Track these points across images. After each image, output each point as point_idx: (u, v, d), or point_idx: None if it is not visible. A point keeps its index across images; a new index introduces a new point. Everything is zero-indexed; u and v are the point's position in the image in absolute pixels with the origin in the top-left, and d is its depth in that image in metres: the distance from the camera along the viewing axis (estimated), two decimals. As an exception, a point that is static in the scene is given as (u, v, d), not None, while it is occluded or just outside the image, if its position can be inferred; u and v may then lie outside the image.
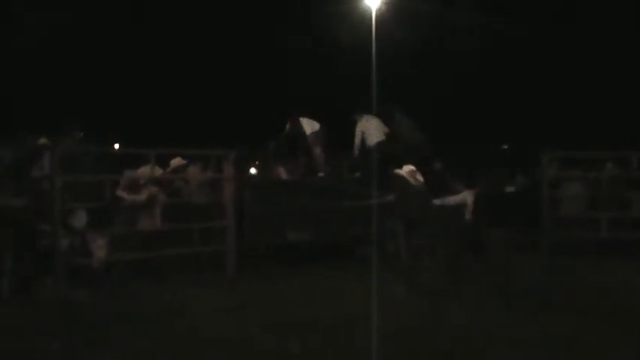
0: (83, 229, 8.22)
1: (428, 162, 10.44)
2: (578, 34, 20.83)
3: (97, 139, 11.37)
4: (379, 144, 10.81)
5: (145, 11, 23.62)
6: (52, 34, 21.70)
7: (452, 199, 10.40)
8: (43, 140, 8.73)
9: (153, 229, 8.79)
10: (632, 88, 20.13)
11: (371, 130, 10.94)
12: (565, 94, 21.66)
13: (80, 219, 8.20)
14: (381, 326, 5.85)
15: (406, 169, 8.83)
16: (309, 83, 21.61)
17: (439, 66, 21.64)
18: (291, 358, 5.52)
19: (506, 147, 25.05)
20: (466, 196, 10.86)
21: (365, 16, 18.32)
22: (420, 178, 8.79)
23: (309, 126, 11.36)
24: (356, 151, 11.05)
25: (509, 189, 12.76)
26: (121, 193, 8.75)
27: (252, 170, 13.42)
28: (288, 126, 11.50)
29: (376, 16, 17.16)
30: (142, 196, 8.81)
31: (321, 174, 11.30)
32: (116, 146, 16.27)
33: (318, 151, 11.35)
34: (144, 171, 9.02)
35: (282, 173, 11.05)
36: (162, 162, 9.63)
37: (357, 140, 10.97)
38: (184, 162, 9.74)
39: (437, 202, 9.51)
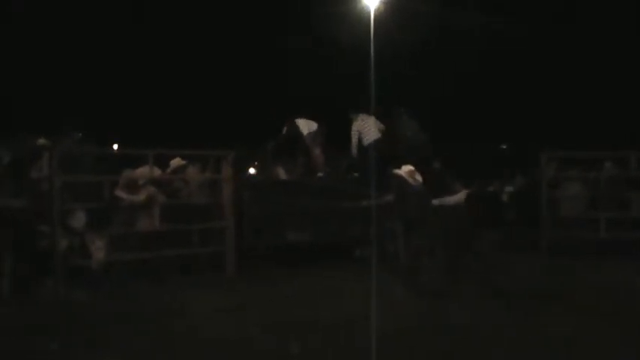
0: (82, 230, 8.21)
1: (428, 162, 10.44)
2: (578, 34, 20.84)
3: (96, 139, 11.35)
4: (377, 142, 10.79)
5: (145, 11, 23.62)
6: (52, 35, 21.69)
7: (451, 199, 10.40)
8: (42, 141, 8.73)
9: (152, 229, 8.77)
10: (631, 88, 20.14)
11: (367, 128, 10.94)
12: (564, 94, 21.67)
13: (79, 219, 8.19)
14: (381, 326, 5.84)
15: (405, 170, 8.81)
16: (309, 83, 21.61)
17: (438, 66, 21.64)
18: (291, 358, 5.51)
19: (505, 147, 25.08)
20: (465, 196, 10.85)
21: (364, 16, 18.32)
22: (419, 178, 8.78)
23: (306, 126, 11.37)
24: (354, 151, 11.05)
25: (508, 189, 12.80)
26: (120, 193, 8.73)
27: (252, 170, 13.42)
28: (285, 128, 11.52)
29: (375, 16, 17.15)
30: (141, 197, 8.79)
31: (320, 174, 11.30)
32: (115, 146, 16.27)
33: (317, 151, 11.35)
34: (143, 171, 9.01)
35: (281, 173, 11.05)
36: (161, 162, 9.62)
37: (354, 140, 10.98)
38: (184, 162, 9.73)
39: (436, 202, 9.51)
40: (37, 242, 7.83)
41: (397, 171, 8.86)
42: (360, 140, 10.92)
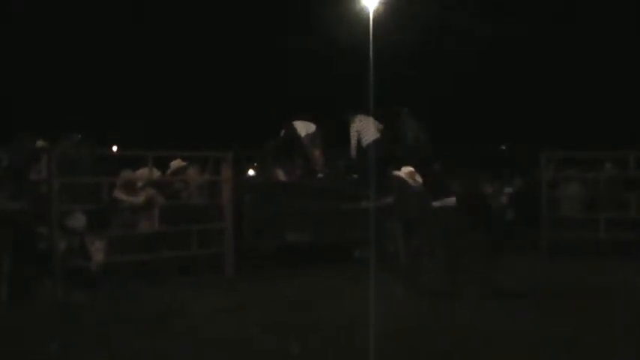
0: (81, 231, 8.20)
1: (428, 163, 10.44)
2: (578, 35, 20.84)
3: (96, 140, 11.34)
4: (377, 143, 10.78)
5: (145, 12, 23.60)
6: (52, 35, 21.69)
7: (451, 200, 10.38)
8: (40, 143, 8.73)
9: (151, 231, 8.77)
10: (631, 88, 20.14)
11: (366, 129, 10.94)
12: (564, 94, 21.66)
13: (79, 220, 8.18)
14: (381, 326, 5.84)
15: (405, 171, 8.81)
16: (308, 83, 21.60)
17: (437, 66, 21.63)
18: (291, 358, 5.51)
19: (504, 147, 25.05)
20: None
21: (363, 17, 18.33)
22: (419, 179, 8.78)
23: (304, 128, 11.37)
24: (353, 152, 11.04)
25: (508, 189, 12.79)
26: (119, 194, 8.73)
27: (251, 172, 13.42)
28: (282, 131, 11.53)
29: (374, 17, 17.16)
30: (140, 199, 8.78)
31: (319, 175, 11.30)
32: (114, 148, 16.26)
33: (317, 153, 11.34)
34: (142, 173, 9.00)
35: (281, 175, 11.05)
36: (161, 164, 9.62)
37: (354, 141, 10.97)
38: (184, 164, 9.73)
39: (436, 203, 9.51)
40: (35, 244, 7.82)
41: (397, 172, 8.86)
42: (359, 141, 10.91)
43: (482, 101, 22.06)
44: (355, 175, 11.33)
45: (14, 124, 17.21)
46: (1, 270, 7.45)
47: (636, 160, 10.72)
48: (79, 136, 9.44)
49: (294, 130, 11.39)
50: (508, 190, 12.78)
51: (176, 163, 9.67)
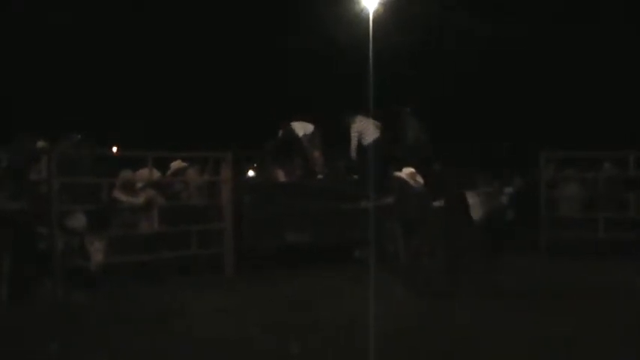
0: (81, 231, 8.20)
1: (428, 163, 10.44)
2: (578, 34, 20.83)
3: (96, 140, 11.33)
4: (377, 142, 10.77)
5: (145, 12, 23.60)
6: (52, 35, 21.68)
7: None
8: (41, 143, 8.73)
9: (151, 231, 8.76)
10: (630, 88, 20.14)
11: (367, 129, 10.94)
12: (563, 94, 21.65)
13: (79, 221, 8.18)
14: (381, 326, 5.84)
15: (406, 171, 8.82)
16: (308, 84, 21.61)
17: (437, 66, 21.63)
18: (291, 358, 5.52)
19: (503, 147, 25.04)
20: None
21: (362, 17, 18.33)
22: (419, 179, 8.78)
23: (302, 129, 11.38)
24: (353, 153, 11.04)
25: (508, 190, 12.79)
26: (118, 194, 8.73)
27: (251, 173, 13.42)
28: (280, 131, 11.53)
29: (374, 17, 17.16)
30: (140, 200, 8.79)
31: (319, 176, 11.30)
32: (114, 149, 16.26)
33: (316, 153, 11.34)
34: (142, 173, 9.00)
35: (280, 175, 11.05)
36: (161, 164, 9.62)
37: (355, 141, 10.96)
38: (184, 165, 9.73)
39: (436, 203, 9.51)
40: (35, 244, 7.82)
41: (398, 173, 8.87)
42: (360, 141, 10.91)
43: (482, 101, 22.05)
44: (355, 176, 11.32)
45: (14, 124, 17.20)
46: (1, 270, 7.46)
47: (635, 160, 10.72)
48: (79, 136, 9.44)
49: (291, 130, 11.40)
50: (508, 190, 12.78)
51: (176, 164, 9.67)
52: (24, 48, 21.57)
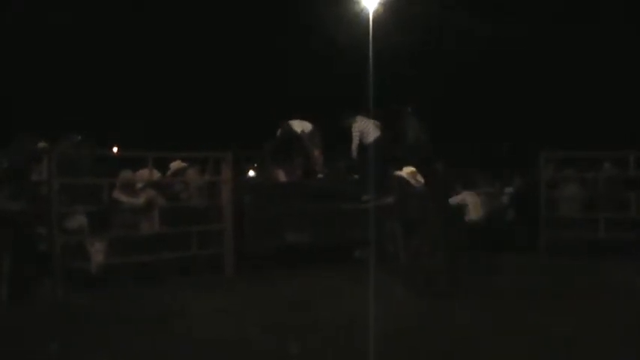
0: (81, 231, 8.20)
1: (429, 163, 10.44)
2: (577, 34, 20.84)
3: (96, 141, 11.34)
4: (377, 141, 10.76)
5: (145, 12, 23.61)
6: (52, 35, 21.69)
7: (452, 200, 10.41)
8: (41, 144, 8.73)
9: (151, 232, 8.76)
10: (630, 88, 20.15)
11: (367, 128, 10.93)
12: (563, 94, 21.67)
13: (79, 221, 8.18)
14: (381, 327, 5.83)
15: (406, 171, 8.81)
16: (308, 84, 21.62)
17: (437, 66, 21.65)
18: (291, 358, 5.51)
19: (503, 147, 25.05)
20: (466, 197, 10.89)
21: (362, 17, 18.36)
22: (420, 179, 8.78)
23: (300, 127, 11.37)
24: (354, 153, 11.03)
25: (508, 190, 12.80)
26: (119, 195, 8.72)
27: (251, 173, 13.42)
28: (279, 130, 11.52)
29: (373, 17, 17.18)
30: (140, 200, 8.78)
31: (320, 175, 11.30)
32: (115, 149, 16.27)
33: (316, 152, 11.34)
34: (142, 174, 9.00)
35: (281, 175, 11.04)
36: (161, 164, 9.62)
37: (356, 141, 10.95)
38: (184, 165, 9.72)
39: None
40: (35, 244, 7.83)
41: (398, 173, 8.86)
42: (361, 141, 10.90)
43: (482, 101, 22.07)
44: (356, 176, 11.32)
45: (14, 124, 17.21)
46: (1, 270, 7.45)
47: (636, 160, 10.71)
48: (79, 136, 9.44)
49: (290, 128, 11.39)
50: (508, 190, 12.79)
51: (176, 165, 9.67)
52: (24, 48, 21.58)
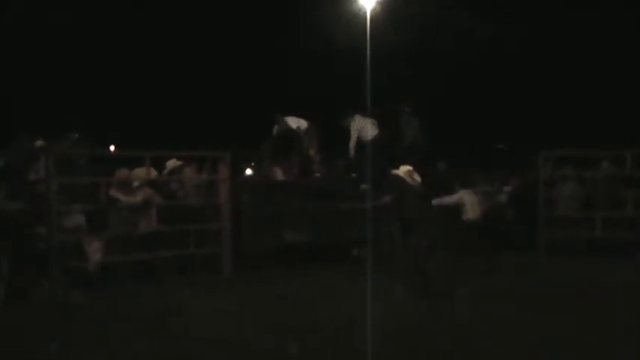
0: (78, 230, 8.18)
1: (427, 162, 10.44)
2: (577, 34, 20.87)
3: (95, 140, 11.31)
4: (375, 142, 10.76)
5: (145, 12, 23.59)
6: (52, 35, 21.66)
7: (449, 199, 10.40)
8: (39, 143, 8.70)
9: (149, 230, 8.74)
10: (629, 87, 20.18)
11: (365, 127, 10.93)
12: (562, 94, 21.70)
13: (77, 220, 8.16)
14: (380, 326, 5.83)
15: (404, 170, 8.81)
16: (306, 83, 21.62)
17: (435, 66, 21.66)
18: (290, 358, 5.50)
19: (502, 147, 25.08)
20: (463, 196, 10.86)
21: (360, 17, 18.36)
22: (417, 178, 8.77)
23: (295, 123, 11.37)
24: (352, 152, 11.02)
25: (507, 189, 12.79)
26: (115, 193, 8.70)
27: (248, 171, 13.40)
28: (275, 127, 11.51)
29: (371, 17, 17.18)
30: (137, 199, 8.76)
31: (317, 174, 11.28)
32: (112, 148, 16.25)
33: (312, 151, 11.32)
34: (139, 172, 8.98)
35: (279, 174, 11.02)
36: (159, 163, 9.59)
37: (354, 140, 10.95)
38: (180, 163, 9.70)
39: (435, 202, 9.50)
40: (34, 244, 7.80)
41: (396, 171, 8.85)
42: (358, 139, 10.89)
43: (481, 101, 22.09)
44: (354, 175, 11.31)
45: (14, 124, 17.18)
46: (-1, 270, 7.44)
47: (633, 159, 10.72)
48: (77, 135, 9.41)
49: (286, 124, 11.38)
50: (507, 189, 12.78)
51: (172, 163, 9.64)
52: (24, 48, 21.54)
